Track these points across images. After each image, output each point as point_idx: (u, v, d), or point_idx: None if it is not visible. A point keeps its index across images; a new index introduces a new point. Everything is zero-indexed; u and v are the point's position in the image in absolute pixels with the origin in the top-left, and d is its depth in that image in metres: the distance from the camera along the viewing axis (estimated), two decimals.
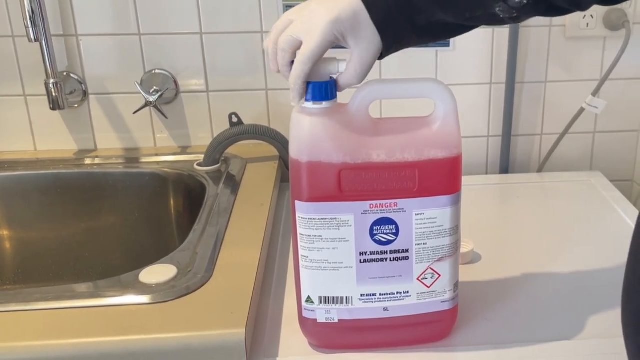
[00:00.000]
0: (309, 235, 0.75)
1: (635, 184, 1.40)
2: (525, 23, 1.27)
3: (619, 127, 1.37)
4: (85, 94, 1.27)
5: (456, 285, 0.80)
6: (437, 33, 0.76)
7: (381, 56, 0.74)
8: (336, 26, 0.69)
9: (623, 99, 1.34)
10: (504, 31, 1.27)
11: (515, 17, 0.71)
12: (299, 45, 0.71)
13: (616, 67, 1.24)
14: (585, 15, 1.26)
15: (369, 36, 0.71)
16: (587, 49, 1.30)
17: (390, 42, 0.72)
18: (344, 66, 0.72)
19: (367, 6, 0.70)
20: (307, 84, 0.72)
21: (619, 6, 1.25)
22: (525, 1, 0.68)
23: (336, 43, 0.71)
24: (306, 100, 0.73)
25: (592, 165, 1.39)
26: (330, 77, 0.73)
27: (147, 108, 1.25)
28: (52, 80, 1.16)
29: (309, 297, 0.78)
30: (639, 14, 1.28)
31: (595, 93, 1.28)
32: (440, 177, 0.74)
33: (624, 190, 1.36)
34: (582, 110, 1.29)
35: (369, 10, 0.70)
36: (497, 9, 0.70)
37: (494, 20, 0.72)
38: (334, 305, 0.78)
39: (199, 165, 1.21)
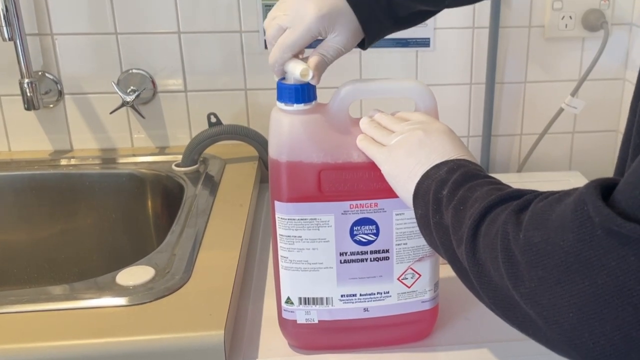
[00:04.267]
0: (288, 236, 0.75)
1: None
2: (505, 24, 1.27)
3: (598, 127, 1.38)
4: (60, 93, 1.25)
5: (436, 285, 0.80)
6: (416, 20, 0.77)
7: (363, 46, 0.74)
8: (323, 22, 0.70)
9: (601, 99, 1.35)
10: (483, 32, 1.28)
11: None
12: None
13: (594, 67, 1.25)
14: (564, 17, 1.27)
15: (351, 32, 0.72)
16: (566, 49, 1.31)
17: (373, 37, 0.74)
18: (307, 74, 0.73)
19: (352, 6, 0.71)
20: (284, 86, 0.72)
21: (597, 7, 1.26)
22: None
23: (316, 37, 0.72)
24: (285, 102, 0.72)
25: (571, 165, 1.40)
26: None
27: (124, 108, 1.23)
28: (26, 80, 1.14)
29: (288, 298, 0.78)
30: (617, 15, 1.29)
31: (574, 93, 1.28)
32: None
33: None
34: (561, 110, 1.29)
35: (354, 8, 0.71)
36: None
37: None
38: (314, 306, 0.77)
39: (177, 165, 1.20)
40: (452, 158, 0.66)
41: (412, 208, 0.67)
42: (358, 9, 0.71)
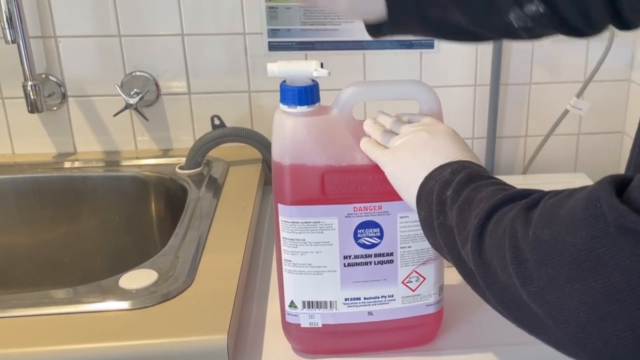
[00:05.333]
0: (292, 239, 0.74)
1: None
2: None
3: (603, 128, 1.37)
4: (64, 96, 1.25)
5: (441, 288, 0.79)
6: (448, 32, 0.75)
7: (379, 32, 0.73)
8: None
9: (607, 101, 1.34)
10: None
11: (530, 28, 0.70)
12: None
13: (600, 68, 1.25)
14: None
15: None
16: (571, 50, 1.30)
17: (396, 21, 0.71)
18: (321, 70, 0.71)
19: None
20: (287, 88, 0.71)
21: None
22: (541, 10, 0.68)
23: None
24: (288, 104, 0.72)
25: (577, 166, 1.39)
26: (312, 80, 0.72)
27: (128, 110, 1.23)
28: (30, 83, 1.14)
29: (292, 301, 0.77)
30: None
31: (579, 95, 1.28)
32: None
33: None
34: (566, 111, 1.29)
35: None
36: (512, 15, 0.69)
37: (508, 31, 0.72)
38: (317, 309, 0.77)
39: (180, 168, 1.20)
40: (456, 159, 0.66)
41: (415, 210, 0.66)
42: None
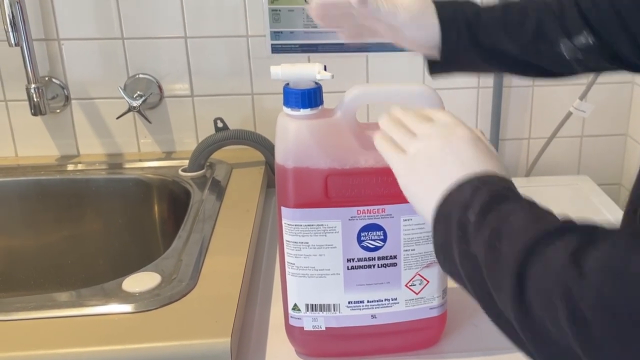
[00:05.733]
0: (295, 242, 0.74)
1: (623, 188, 1.40)
2: None
3: (607, 130, 1.37)
4: (67, 99, 1.25)
5: (445, 291, 0.79)
6: (501, 62, 0.74)
7: (436, 68, 0.73)
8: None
9: (610, 103, 1.34)
10: None
11: (581, 60, 0.69)
12: None
13: None
14: None
15: (431, 26, 0.71)
16: None
17: (450, 47, 0.71)
18: (325, 73, 0.70)
19: (436, 4, 0.70)
20: (290, 91, 0.71)
21: None
22: (590, 42, 0.66)
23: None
24: (291, 107, 0.72)
25: (580, 169, 1.39)
26: (316, 83, 0.72)
27: (131, 113, 1.23)
28: (33, 85, 1.14)
29: (295, 304, 0.77)
30: None
31: (582, 97, 1.27)
32: None
33: (612, 194, 1.35)
34: (569, 114, 1.28)
35: (436, 5, 0.70)
36: (562, 46, 0.68)
37: (560, 63, 0.70)
38: (321, 312, 0.77)
39: (183, 170, 1.20)
40: (476, 173, 0.58)
41: (432, 231, 0.59)
42: (440, 8, 0.70)
